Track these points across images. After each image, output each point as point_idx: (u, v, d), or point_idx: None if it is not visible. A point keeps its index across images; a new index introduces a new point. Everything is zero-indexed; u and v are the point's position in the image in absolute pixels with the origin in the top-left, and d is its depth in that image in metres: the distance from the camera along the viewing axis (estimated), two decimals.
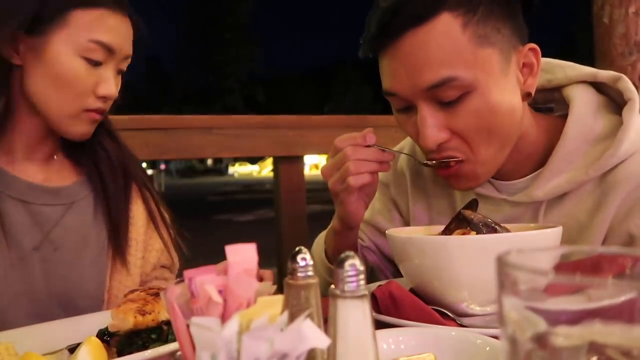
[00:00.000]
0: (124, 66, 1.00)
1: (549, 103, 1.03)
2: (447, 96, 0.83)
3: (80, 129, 0.96)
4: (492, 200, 0.99)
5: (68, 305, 0.95)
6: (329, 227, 1.08)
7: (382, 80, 0.90)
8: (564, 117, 0.95)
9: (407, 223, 1.14)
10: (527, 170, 0.97)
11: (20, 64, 0.92)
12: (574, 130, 0.92)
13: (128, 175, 1.06)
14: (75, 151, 1.04)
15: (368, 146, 0.92)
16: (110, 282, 1.00)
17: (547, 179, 0.93)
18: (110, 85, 0.94)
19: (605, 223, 0.88)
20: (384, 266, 1.17)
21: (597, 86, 0.97)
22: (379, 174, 1.19)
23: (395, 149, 1.21)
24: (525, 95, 0.90)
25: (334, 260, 1.05)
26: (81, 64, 0.92)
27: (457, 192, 1.07)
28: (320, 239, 1.17)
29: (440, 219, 1.06)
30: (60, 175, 1.02)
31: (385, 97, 0.92)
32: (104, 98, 0.95)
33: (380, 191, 1.16)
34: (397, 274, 1.12)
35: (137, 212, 1.06)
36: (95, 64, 0.93)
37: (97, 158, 1.04)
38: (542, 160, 0.95)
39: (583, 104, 0.94)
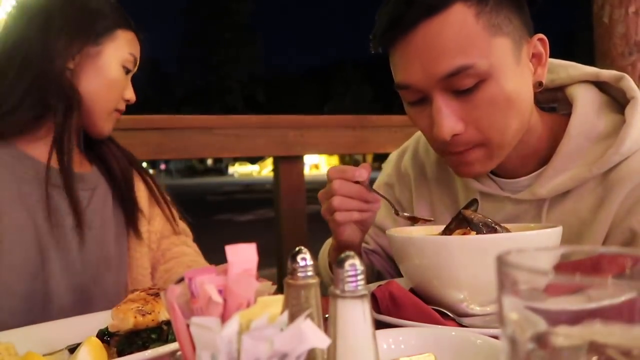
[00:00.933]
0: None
1: (552, 103, 1.04)
2: (463, 84, 0.83)
3: (108, 126, 1.13)
4: (495, 198, 1.00)
5: (98, 278, 1.06)
6: (330, 240, 1.09)
7: (395, 73, 0.90)
8: (567, 115, 0.95)
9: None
10: (529, 168, 0.97)
11: (73, 67, 1.05)
12: (577, 128, 0.92)
13: (128, 165, 1.19)
14: (85, 146, 1.17)
15: (358, 182, 0.91)
16: (129, 252, 1.14)
17: (551, 176, 0.93)
18: (132, 90, 1.15)
19: (608, 220, 0.88)
20: (391, 269, 1.17)
21: (600, 85, 0.98)
22: (385, 175, 1.20)
23: (399, 150, 1.22)
24: (537, 85, 0.91)
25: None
26: (121, 71, 1.10)
27: (459, 191, 1.07)
28: (325, 249, 1.17)
29: (443, 217, 1.06)
30: (82, 165, 1.14)
31: (397, 91, 0.92)
32: (127, 101, 1.14)
33: (385, 192, 1.17)
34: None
35: (140, 190, 1.19)
36: (128, 72, 1.12)
37: (103, 153, 1.17)
38: (545, 158, 0.96)
39: (586, 103, 0.94)
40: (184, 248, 1.19)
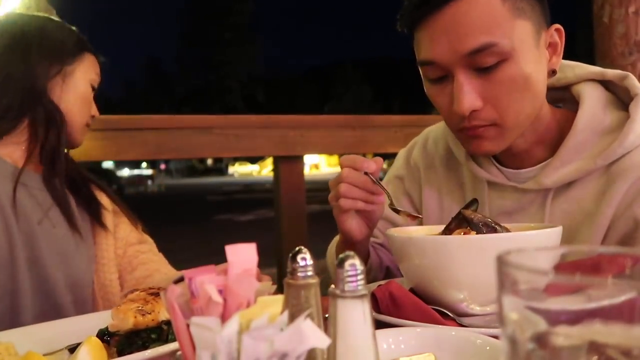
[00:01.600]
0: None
1: (559, 102, 1.06)
2: (485, 62, 0.86)
3: (82, 137, 1.23)
4: (501, 187, 1.03)
5: (67, 271, 1.11)
6: (337, 238, 1.10)
7: (419, 51, 0.93)
8: (575, 111, 0.98)
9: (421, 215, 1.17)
10: (536, 159, 1.00)
11: (52, 87, 1.16)
12: (584, 122, 0.96)
13: (85, 180, 1.26)
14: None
15: (367, 173, 0.93)
16: (96, 246, 1.20)
17: (557, 167, 0.96)
18: (95, 107, 1.26)
19: (611, 209, 0.91)
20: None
21: (604, 84, 1.01)
22: (395, 168, 1.22)
23: (408, 146, 1.25)
24: (550, 73, 0.94)
25: None
26: (89, 89, 1.22)
27: (467, 182, 1.10)
28: (332, 246, 1.18)
29: (450, 208, 1.09)
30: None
31: (420, 69, 0.95)
32: (93, 116, 1.25)
33: (395, 185, 1.20)
34: None
35: (102, 198, 1.25)
36: (93, 89, 1.24)
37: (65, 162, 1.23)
38: (550, 150, 0.99)
39: (593, 99, 0.98)
40: (151, 256, 1.24)
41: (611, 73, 0.99)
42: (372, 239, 1.15)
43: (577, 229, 0.93)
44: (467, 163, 1.07)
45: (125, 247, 1.22)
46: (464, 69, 0.88)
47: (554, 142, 0.98)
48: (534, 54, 0.89)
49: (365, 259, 1.08)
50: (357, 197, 0.93)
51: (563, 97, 1.04)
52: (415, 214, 0.97)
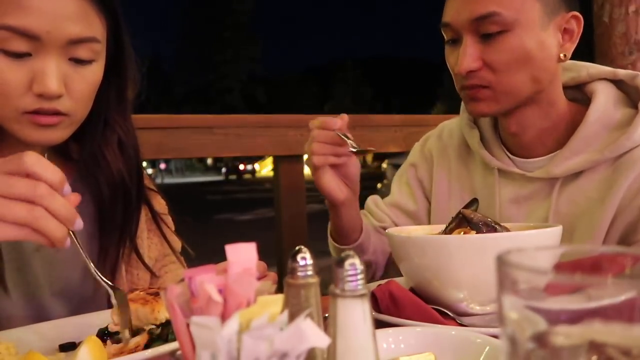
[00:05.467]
0: (84, 54, 0.83)
1: (573, 102, 1.08)
2: (489, 29, 0.95)
3: (33, 135, 0.82)
4: (511, 175, 1.07)
5: (71, 306, 0.92)
6: None
7: (443, 14, 1.03)
8: (588, 108, 1.02)
9: (430, 203, 1.21)
10: (546, 149, 1.05)
11: None
12: (595, 115, 1.00)
13: (127, 188, 0.97)
14: (64, 147, 0.96)
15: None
16: (127, 275, 0.97)
17: (566, 157, 1.00)
18: (46, 80, 0.79)
19: (617, 200, 0.95)
20: None
21: (616, 84, 1.05)
22: (410, 157, 1.27)
23: (424, 137, 1.29)
24: (561, 57, 0.99)
25: (336, 237, 1.12)
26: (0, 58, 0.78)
27: (478, 170, 1.13)
28: (329, 229, 1.20)
29: (458, 194, 1.14)
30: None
31: (440, 31, 1.05)
32: (41, 96, 0.80)
33: (409, 172, 1.25)
34: None
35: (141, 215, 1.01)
36: (19, 56, 0.78)
37: (94, 164, 0.96)
38: (561, 141, 1.02)
39: (605, 96, 1.03)
40: (171, 266, 1.06)
41: (622, 73, 1.04)
42: (378, 223, 1.20)
43: (583, 218, 0.97)
44: (480, 151, 1.11)
45: (154, 263, 1.04)
46: (470, 33, 0.97)
47: (564, 134, 1.02)
48: (539, 34, 0.95)
49: (354, 228, 1.10)
50: (328, 152, 0.99)
51: (577, 97, 1.08)
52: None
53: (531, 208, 1.04)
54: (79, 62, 0.83)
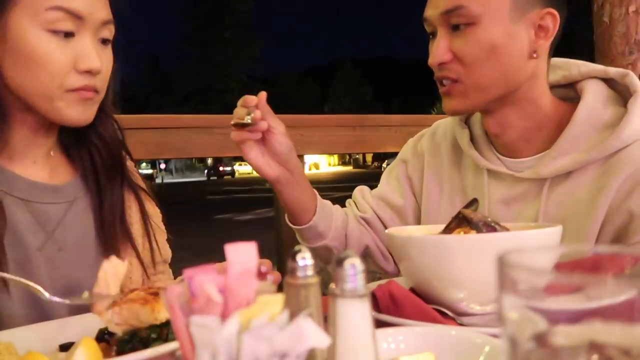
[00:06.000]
0: (108, 34, 0.91)
1: (566, 100, 1.07)
2: (457, 22, 0.97)
3: (74, 112, 0.88)
4: (501, 176, 1.07)
5: (72, 306, 0.89)
6: None
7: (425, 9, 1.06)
8: (577, 105, 1.01)
9: (418, 200, 1.21)
10: (535, 149, 1.04)
11: None
12: (583, 115, 0.99)
13: (123, 174, 1.01)
14: (69, 146, 1.00)
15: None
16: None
17: (554, 157, 1.00)
18: (91, 57, 0.86)
19: (606, 202, 0.93)
20: (382, 244, 1.21)
21: (607, 82, 1.04)
22: (402, 153, 1.28)
23: (418, 135, 1.29)
24: (531, 53, 0.98)
25: (289, 217, 1.14)
26: (49, 38, 0.84)
27: (469, 171, 1.13)
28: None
29: (450, 195, 1.14)
30: (59, 172, 0.98)
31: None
32: (87, 73, 0.87)
33: (399, 167, 1.25)
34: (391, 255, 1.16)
35: (133, 214, 1.03)
36: (66, 35, 0.85)
37: (92, 150, 0.99)
38: (550, 141, 1.02)
39: (594, 94, 1.01)
40: (160, 276, 1.07)
41: (613, 71, 1.02)
42: (359, 213, 1.21)
43: (573, 220, 0.95)
44: (469, 151, 1.11)
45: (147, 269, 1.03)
46: (442, 26, 1.00)
47: (553, 133, 1.01)
48: (508, 28, 0.96)
49: (302, 208, 1.11)
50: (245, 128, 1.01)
51: (569, 95, 1.07)
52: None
53: (520, 209, 1.03)
54: (104, 42, 0.92)
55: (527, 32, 0.97)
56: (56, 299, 0.73)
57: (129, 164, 1.07)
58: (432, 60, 1.01)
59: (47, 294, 0.73)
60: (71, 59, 0.86)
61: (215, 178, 42.92)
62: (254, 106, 0.98)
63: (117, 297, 0.70)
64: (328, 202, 1.18)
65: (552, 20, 0.97)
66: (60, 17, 0.84)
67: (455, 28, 0.98)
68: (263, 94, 1.01)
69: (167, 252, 1.10)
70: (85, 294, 0.72)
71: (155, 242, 1.04)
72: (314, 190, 1.13)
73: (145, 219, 1.04)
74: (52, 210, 0.93)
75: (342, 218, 1.19)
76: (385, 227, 1.20)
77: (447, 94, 1.02)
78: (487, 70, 0.97)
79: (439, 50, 0.99)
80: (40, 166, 0.96)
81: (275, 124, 1.02)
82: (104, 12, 0.89)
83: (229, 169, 44.08)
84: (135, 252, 1.01)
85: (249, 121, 0.98)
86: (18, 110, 0.90)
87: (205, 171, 46.56)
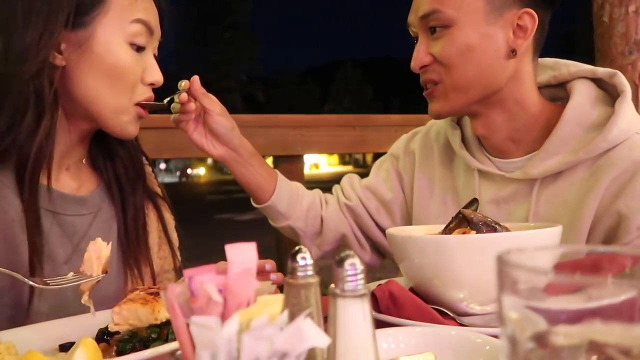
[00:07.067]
0: (156, 50, 0.96)
1: (557, 100, 1.08)
2: (434, 24, 1.00)
3: (132, 127, 0.92)
4: (491, 176, 1.08)
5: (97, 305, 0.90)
6: None
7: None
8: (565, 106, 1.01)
9: (406, 197, 1.22)
10: (524, 150, 1.05)
11: (63, 64, 0.85)
12: (571, 115, 1.00)
13: (144, 183, 1.03)
14: (96, 156, 1.00)
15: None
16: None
17: (542, 158, 1.00)
18: (156, 70, 0.92)
19: (595, 202, 0.94)
20: (363, 236, 1.24)
21: (597, 82, 1.04)
22: (394, 147, 1.30)
23: (411, 132, 1.31)
24: (510, 52, 0.99)
25: (250, 196, 1.18)
26: (129, 51, 0.88)
27: (460, 172, 1.13)
28: None
29: (440, 195, 1.15)
30: (86, 183, 0.98)
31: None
32: (151, 85, 0.92)
33: (389, 162, 1.27)
34: (372, 247, 1.22)
35: (151, 222, 1.04)
36: (139, 49, 0.89)
37: (116, 160, 1.00)
38: (539, 141, 1.02)
39: (582, 95, 1.02)
40: (166, 283, 1.03)
41: (601, 71, 1.03)
42: (344, 200, 1.24)
43: (562, 220, 0.95)
44: (461, 152, 1.12)
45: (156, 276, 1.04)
46: (422, 30, 1.03)
47: (542, 134, 1.02)
48: (482, 28, 0.98)
49: (258, 187, 1.14)
50: (176, 110, 1.05)
51: (559, 96, 1.07)
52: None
53: (511, 209, 1.03)
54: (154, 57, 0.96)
55: (505, 32, 0.98)
56: (33, 284, 0.73)
57: (147, 168, 1.08)
58: (413, 64, 1.03)
59: (26, 280, 0.73)
60: (141, 72, 0.91)
61: (185, 179, 48.33)
62: (183, 89, 1.02)
63: (100, 277, 0.73)
64: (297, 185, 1.22)
65: (531, 20, 0.98)
66: (140, 30, 0.89)
67: (433, 31, 1.00)
68: (195, 77, 1.05)
69: (177, 260, 1.10)
70: (70, 275, 0.74)
71: (171, 250, 1.06)
72: (275, 171, 1.17)
73: (165, 229, 1.05)
74: (79, 222, 0.94)
75: (312, 201, 1.22)
76: (371, 217, 1.22)
77: (429, 96, 1.04)
78: (465, 70, 0.99)
79: (419, 54, 1.02)
80: (71, 174, 0.96)
81: (211, 106, 1.05)
82: (160, 30, 0.95)
83: (195, 171, 49.29)
84: (149, 260, 1.01)
85: (164, 102, 1.00)
86: (72, 117, 0.90)
87: (178, 173, 51.56)
